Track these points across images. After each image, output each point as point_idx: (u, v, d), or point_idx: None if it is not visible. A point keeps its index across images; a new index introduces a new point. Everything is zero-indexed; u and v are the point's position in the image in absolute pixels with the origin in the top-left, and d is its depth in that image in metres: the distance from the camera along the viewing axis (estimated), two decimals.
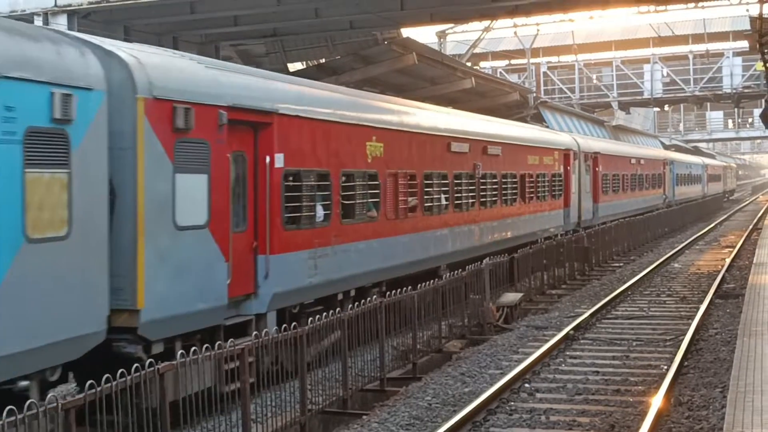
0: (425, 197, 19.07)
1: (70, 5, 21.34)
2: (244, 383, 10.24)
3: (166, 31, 25.56)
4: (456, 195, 20.85)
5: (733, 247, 34.86)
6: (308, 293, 14.39)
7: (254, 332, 11.63)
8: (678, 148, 72.97)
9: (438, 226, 19.80)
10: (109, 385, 8.39)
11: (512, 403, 12.31)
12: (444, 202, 20.16)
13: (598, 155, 36.16)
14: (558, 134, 33.97)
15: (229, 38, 27.91)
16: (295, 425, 11.30)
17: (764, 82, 50.95)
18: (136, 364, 8.90)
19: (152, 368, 9.02)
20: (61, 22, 20.79)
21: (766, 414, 9.56)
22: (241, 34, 27.43)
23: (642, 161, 46.08)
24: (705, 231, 45.26)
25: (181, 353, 9.83)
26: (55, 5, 21.31)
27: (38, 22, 20.53)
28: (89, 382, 8.26)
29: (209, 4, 23.14)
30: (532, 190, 26.88)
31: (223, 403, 10.41)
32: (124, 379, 8.60)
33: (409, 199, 18.23)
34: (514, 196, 25.30)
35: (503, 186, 24.28)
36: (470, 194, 21.76)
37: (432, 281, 16.65)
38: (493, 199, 23.47)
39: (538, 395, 12.83)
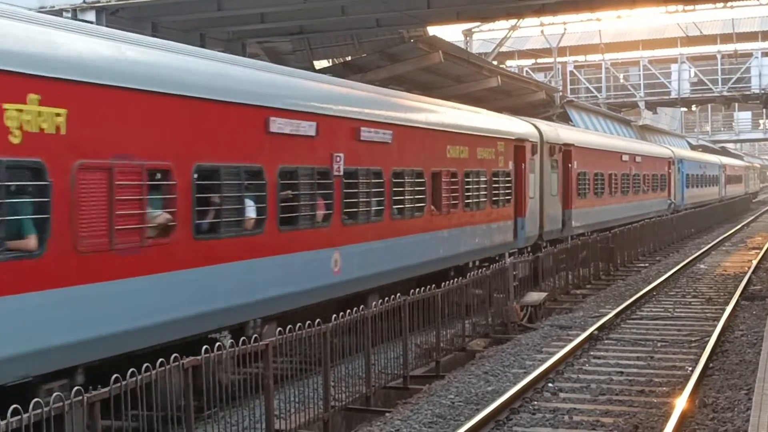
0: (199, 209, 11.25)
1: (98, 1, 21.45)
2: (267, 379, 10.28)
3: (193, 27, 25.65)
4: (286, 205, 13.00)
5: (760, 248, 34.60)
6: None
7: None
8: (705, 149, 72.27)
9: (237, 257, 11.94)
10: (134, 379, 8.44)
11: (535, 403, 12.29)
12: (253, 216, 12.29)
13: (572, 148, 28.51)
14: (506, 118, 25.11)
15: (255, 35, 27.97)
16: (318, 421, 11.33)
17: None
18: (160, 359, 8.94)
19: (176, 363, 9.07)
20: (89, 18, 20.93)
21: None
22: (268, 32, 27.47)
23: (638, 158, 38.58)
24: (731, 232, 44.93)
25: None
26: (84, 2, 21.44)
27: (67, 17, 20.66)
28: (114, 375, 8.30)
29: (236, 2, 23.21)
30: (454, 194, 19.02)
31: (246, 398, 10.45)
32: (149, 373, 8.66)
33: (152, 212, 10.45)
34: (420, 205, 17.46)
35: (397, 190, 16.43)
36: (323, 202, 14.08)
37: (458, 279, 16.60)
38: (375, 209, 15.70)
39: (562, 395, 12.80)
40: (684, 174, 49.29)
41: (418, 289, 14.87)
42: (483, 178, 20.71)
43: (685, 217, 42.93)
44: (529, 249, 23.99)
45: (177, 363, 9.02)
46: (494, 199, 21.54)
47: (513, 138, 23.19)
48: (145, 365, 8.68)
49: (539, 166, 25.32)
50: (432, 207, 18.03)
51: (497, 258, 21.61)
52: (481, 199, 20.68)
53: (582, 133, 33.60)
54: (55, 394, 7.60)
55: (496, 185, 21.63)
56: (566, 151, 28.04)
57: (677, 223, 40.43)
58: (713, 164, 61.91)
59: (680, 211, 45.30)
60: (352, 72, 28.47)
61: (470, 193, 19.97)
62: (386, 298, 13.68)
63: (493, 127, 22.26)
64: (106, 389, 8.11)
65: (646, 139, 56.19)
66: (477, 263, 20.12)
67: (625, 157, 36.34)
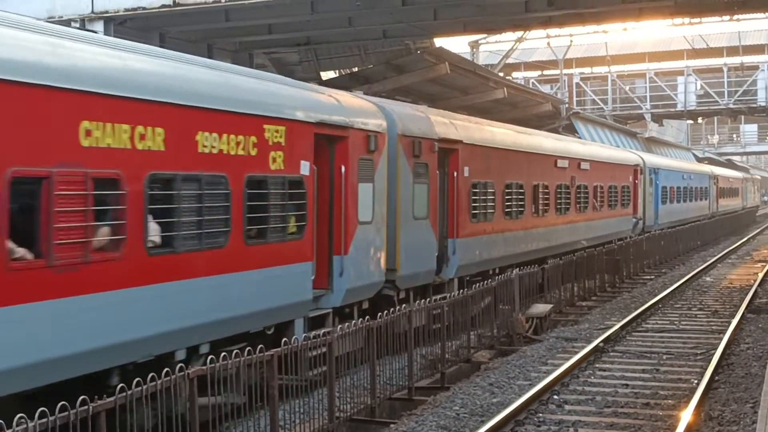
0: None
1: (106, 12, 21.59)
2: (273, 389, 10.28)
3: (200, 38, 25.76)
4: None
5: (766, 261, 34.54)
6: None
7: None
8: (710, 161, 72.15)
9: None
10: (139, 389, 8.45)
11: (540, 415, 12.27)
12: None
13: (458, 147, 19.23)
14: (292, 84, 14.71)
15: (263, 46, 28.08)
16: None
17: None
18: (165, 369, 8.95)
19: (182, 372, 9.08)
20: (97, 29, 21.02)
21: None
22: (275, 42, 27.58)
23: (584, 165, 29.01)
24: (738, 245, 44.85)
25: None
26: (92, 12, 21.56)
27: (75, 27, 20.75)
28: (119, 385, 8.31)
29: (244, 13, 23.29)
30: (116, 224, 9.88)
31: (251, 409, 10.45)
32: (154, 383, 8.66)
33: None
34: None
35: None
36: None
37: (463, 290, 16.59)
38: None
39: (567, 407, 12.77)
40: (659, 186, 41.12)
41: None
42: (218, 190, 11.40)
43: (654, 240, 34.90)
44: (364, 306, 15.46)
45: (182, 372, 9.04)
46: (253, 228, 12.14)
47: (312, 122, 13.61)
48: (150, 374, 8.69)
49: (386, 171, 16.03)
50: (20, 254, 8.78)
51: (267, 331, 12.58)
52: (214, 230, 11.30)
53: (480, 126, 22.06)
54: (60, 404, 7.59)
55: (260, 202, 12.22)
56: (447, 150, 18.94)
57: (683, 236, 37.39)
58: (701, 175, 53.83)
59: (652, 231, 37.14)
60: (358, 83, 28.56)
61: (173, 219, 10.72)
62: None
63: (247, 96, 12.38)
64: (111, 399, 8.11)
65: (652, 151, 55.91)
66: (206, 348, 11.27)
67: (563, 163, 26.92)
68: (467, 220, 19.69)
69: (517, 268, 19.84)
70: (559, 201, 26.36)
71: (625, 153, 39.17)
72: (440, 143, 18.37)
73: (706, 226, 47.90)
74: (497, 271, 20.91)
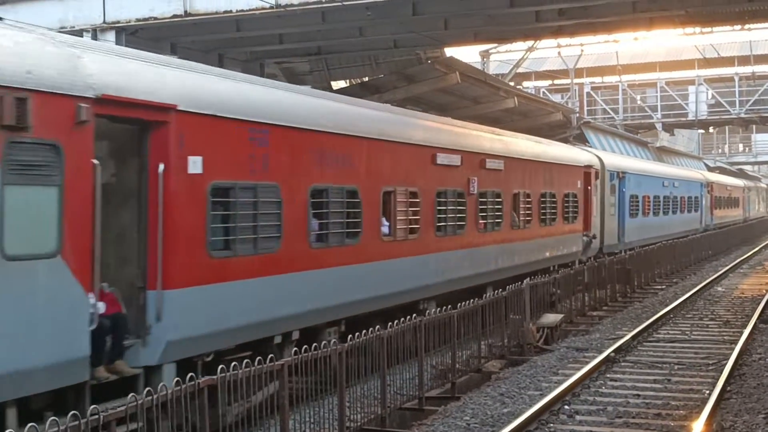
0: None
1: (118, 22, 21.69)
2: (283, 399, 10.28)
3: (212, 48, 25.85)
4: None
5: None
6: None
7: None
8: (722, 170, 71.87)
9: None
10: (150, 398, 8.45)
11: (551, 425, 12.23)
12: None
13: (170, 117, 10.48)
14: None
15: (274, 56, 28.15)
16: None
17: None
18: (176, 378, 8.95)
19: (192, 383, 9.08)
20: (109, 38, 21.13)
21: None
22: (286, 52, 27.66)
23: (492, 163, 20.36)
24: (749, 255, 44.70)
25: None
26: (104, 22, 21.66)
27: (87, 38, 20.86)
28: (131, 394, 8.31)
29: (255, 23, 23.37)
30: None
31: (261, 418, 10.45)
32: (164, 392, 8.67)
33: None
34: None
35: None
36: None
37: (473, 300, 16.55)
38: None
39: (578, 417, 12.74)
40: (625, 194, 33.33)
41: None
42: None
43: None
44: None
45: (193, 382, 9.04)
46: None
47: None
48: (161, 384, 8.70)
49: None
50: None
51: None
52: None
53: (240, 85, 12.67)
54: (71, 413, 7.60)
55: None
56: (141, 123, 10.51)
57: (694, 246, 38.00)
58: (690, 182, 46.01)
59: (617, 252, 30.11)
60: (369, 92, 28.63)
61: None
62: None
63: None
64: (122, 407, 8.12)
65: (663, 160, 55.64)
66: None
67: (449, 159, 18.24)
68: (200, 254, 11.10)
69: (530, 281, 18.89)
70: (441, 216, 17.87)
71: (570, 150, 29.32)
72: (103, 107, 9.65)
73: (694, 242, 39.96)
74: (296, 336, 13.03)
